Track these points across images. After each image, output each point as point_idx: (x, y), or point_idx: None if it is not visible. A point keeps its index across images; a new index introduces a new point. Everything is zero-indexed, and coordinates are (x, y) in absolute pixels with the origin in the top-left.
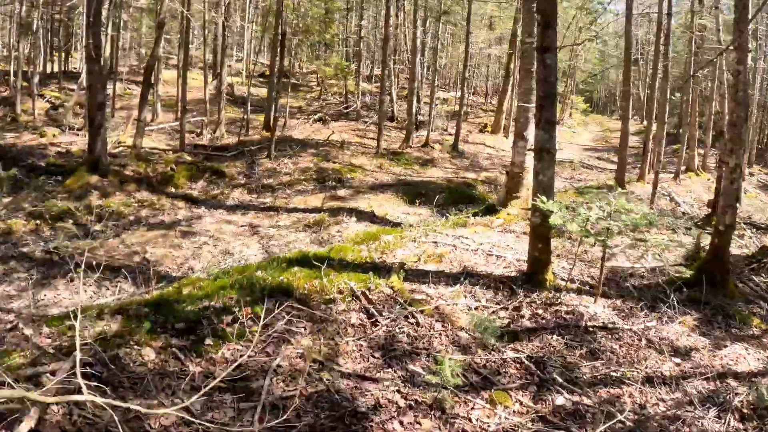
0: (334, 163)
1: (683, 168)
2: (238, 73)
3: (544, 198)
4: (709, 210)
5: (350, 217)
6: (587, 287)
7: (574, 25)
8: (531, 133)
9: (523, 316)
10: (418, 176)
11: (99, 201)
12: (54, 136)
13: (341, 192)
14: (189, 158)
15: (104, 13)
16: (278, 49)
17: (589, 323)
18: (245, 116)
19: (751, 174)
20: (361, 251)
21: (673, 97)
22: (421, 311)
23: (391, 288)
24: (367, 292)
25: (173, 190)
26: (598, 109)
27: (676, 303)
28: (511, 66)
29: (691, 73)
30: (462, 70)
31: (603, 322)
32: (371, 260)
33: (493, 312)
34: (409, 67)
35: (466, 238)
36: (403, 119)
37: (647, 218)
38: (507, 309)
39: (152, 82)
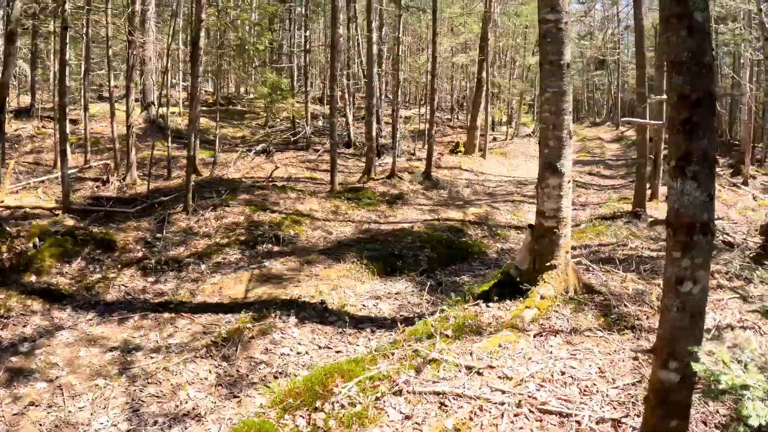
0: (273, 212)
1: None
2: (176, 103)
3: (706, 350)
4: (763, 237)
5: (288, 316)
6: None
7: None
8: (567, 161)
9: None
10: (386, 222)
11: None
12: None
13: (277, 264)
14: (70, 223)
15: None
16: (193, 66)
17: None
18: (170, 153)
19: (753, 177)
20: None
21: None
22: None
23: None
24: None
25: (34, 278)
26: None
27: None
28: (483, 74)
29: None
30: (430, 80)
31: None
32: None
33: None
34: (366, 81)
35: (491, 368)
36: (362, 144)
37: None
38: None
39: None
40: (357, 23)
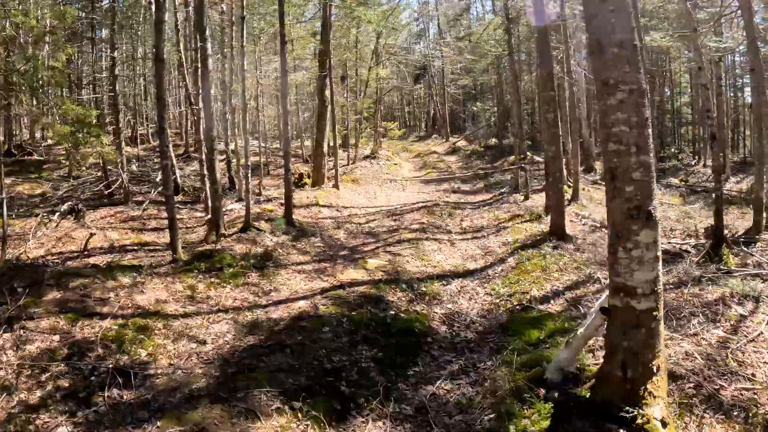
0: (103, 316)
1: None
2: None
3: None
4: (710, 241)
5: None
6: None
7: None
8: (656, 201)
9: None
10: (270, 303)
11: None
12: None
13: None
14: None
15: None
16: None
17: None
18: None
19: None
20: None
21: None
22: None
23: None
24: None
25: None
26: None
27: None
28: (327, 93)
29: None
30: (281, 100)
31: None
32: None
33: None
34: (198, 108)
35: None
36: (192, 189)
37: None
38: None
39: None
40: (180, 34)
